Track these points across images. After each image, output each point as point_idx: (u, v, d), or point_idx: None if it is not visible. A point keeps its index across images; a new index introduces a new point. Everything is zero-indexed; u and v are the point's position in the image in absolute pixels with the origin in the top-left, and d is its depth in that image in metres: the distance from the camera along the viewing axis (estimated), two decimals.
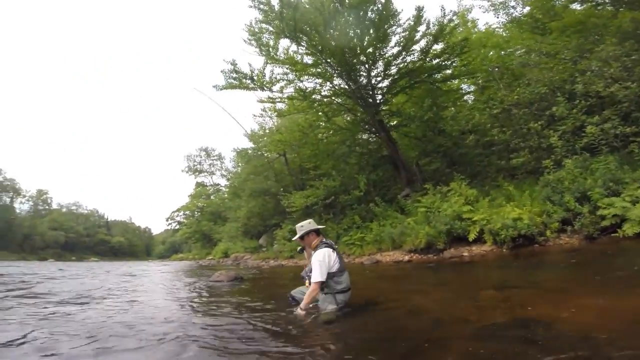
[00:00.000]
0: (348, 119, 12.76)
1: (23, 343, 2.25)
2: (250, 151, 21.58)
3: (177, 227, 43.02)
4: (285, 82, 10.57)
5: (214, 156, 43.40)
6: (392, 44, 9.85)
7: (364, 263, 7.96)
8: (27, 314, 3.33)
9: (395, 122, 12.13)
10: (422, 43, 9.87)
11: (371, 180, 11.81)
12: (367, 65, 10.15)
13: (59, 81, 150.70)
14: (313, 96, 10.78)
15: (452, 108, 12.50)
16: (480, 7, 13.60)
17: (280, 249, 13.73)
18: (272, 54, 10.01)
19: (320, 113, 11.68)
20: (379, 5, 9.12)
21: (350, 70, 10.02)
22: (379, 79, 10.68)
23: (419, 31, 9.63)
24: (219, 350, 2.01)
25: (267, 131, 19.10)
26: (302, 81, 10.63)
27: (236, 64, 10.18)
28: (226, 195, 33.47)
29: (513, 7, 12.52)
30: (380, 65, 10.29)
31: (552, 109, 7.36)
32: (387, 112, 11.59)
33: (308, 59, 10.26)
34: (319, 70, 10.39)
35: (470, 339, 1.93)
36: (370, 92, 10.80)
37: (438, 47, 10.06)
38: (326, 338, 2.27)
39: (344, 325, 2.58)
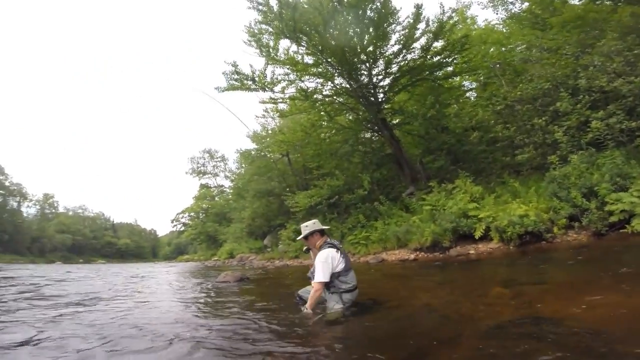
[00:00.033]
0: (350, 118, 12.75)
1: (34, 344, 2.28)
2: (253, 152, 21.66)
3: (182, 228, 43.35)
4: (286, 82, 10.59)
5: (217, 158, 43.69)
6: (392, 42, 9.84)
7: (370, 262, 7.95)
8: (37, 315, 3.37)
9: (397, 120, 12.10)
10: (423, 41, 9.85)
11: (375, 179, 11.79)
12: (368, 64, 10.13)
13: (59, 81, 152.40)
14: (315, 96, 10.79)
15: (455, 105, 12.44)
16: (479, 4, 13.55)
17: (285, 249, 13.76)
18: (272, 54, 10.02)
19: (322, 113, 11.69)
20: (378, 4, 9.10)
21: (351, 69, 10.01)
22: (380, 77, 10.66)
23: (418, 29, 9.60)
24: (227, 351, 2.03)
25: (270, 132, 19.14)
26: (303, 81, 10.64)
27: (237, 66, 10.22)
28: (230, 197, 33.63)
29: (512, 2, 12.45)
30: (381, 63, 10.27)
31: (556, 104, 7.30)
32: (389, 110, 11.56)
33: (308, 59, 10.27)
34: (320, 70, 10.39)
35: (479, 337, 1.92)
36: (372, 91, 10.78)
37: (438, 44, 10.03)
38: (333, 337, 2.27)
39: (350, 324, 2.58)
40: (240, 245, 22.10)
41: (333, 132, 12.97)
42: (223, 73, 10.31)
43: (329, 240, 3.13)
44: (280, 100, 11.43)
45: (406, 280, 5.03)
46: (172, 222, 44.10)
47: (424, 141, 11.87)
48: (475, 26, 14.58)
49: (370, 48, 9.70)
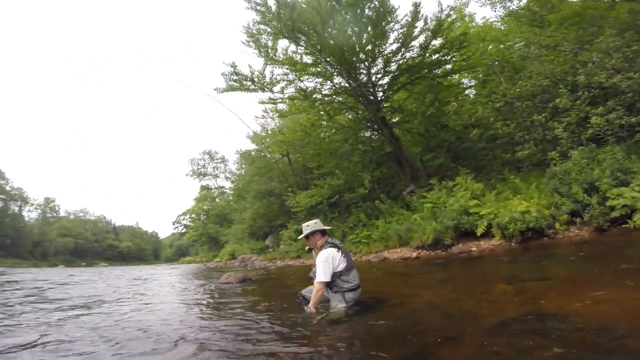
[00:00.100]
0: (350, 117, 12.75)
1: (38, 347, 2.29)
2: (253, 153, 21.67)
3: (184, 230, 43.40)
4: (285, 82, 10.60)
5: (217, 159, 43.74)
6: (390, 40, 9.85)
7: (372, 261, 7.96)
8: (41, 318, 3.38)
9: (397, 119, 12.10)
10: (421, 39, 9.86)
11: (375, 178, 11.80)
12: (366, 63, 10.13)
13: (59, 82, 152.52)
14: (314, 95, 10.79)
15: (454, 103, 12.44)
16: (476, 1, 13.58)
17: (287, 249, 13.77)
18: (271, 54, 10.03)
19: (321, 112, 11.69)
20: (376, 3, 9.11)
21: (350, 68, 10.01)
22: (379, 76, 10.66)
23: (417, 27, 9.60)
24: (231, 352, 2.03)
25: (270, 132, 19.15)
26: (302, 81, 10.65)
27: (236, 66, 10.23)
28: (231, 198, 33.67)
29: (509, 0, 12.45)
30: (379, 62, 10.28)
31: (556, 100, 7.30)
32: (388, 109, 11.56)
33: (307, 59, 10.28)
34: (319, 69, 10.39)
35: (483, 334, 1.92)
36: (371, 90, 10.78)
37: (437, 42, 10.03)
38: (336, 337, 2.27)
39: (353, 323, 2.58)
40: (241, 246, 22.12)
41: (333, 131, 12.97)
42: (222, 74, 10.34)
43: (330, 240, 3.14)
44: (280, 100, 11.44)
45: (408, 278, 5.04)
46: (174, 224, 44.20)
47: (423, 139, 11.87)
48: (474, 24, 14.59)
49: (369, 47, 9.70)
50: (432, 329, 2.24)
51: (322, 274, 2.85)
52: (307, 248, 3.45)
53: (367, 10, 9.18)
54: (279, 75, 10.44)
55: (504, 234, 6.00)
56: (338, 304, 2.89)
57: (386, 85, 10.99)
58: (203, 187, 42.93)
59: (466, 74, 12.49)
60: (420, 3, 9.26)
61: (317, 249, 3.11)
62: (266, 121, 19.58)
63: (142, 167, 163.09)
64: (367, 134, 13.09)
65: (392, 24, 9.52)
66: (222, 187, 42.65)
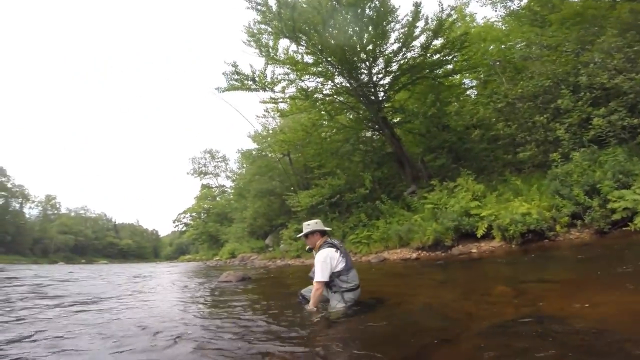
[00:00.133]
0: (351, 117, 12.74)
1: (37, 343, 2.29)
2: (254, 152, 21.67)
3: (184, 228, 43.49)
4: (286, 82, 10.59)
5: (218, 158, 43.79)
6: (391, 40, 9.82)
7: (371, 261, 7.95)
8: (40, 315, 3.39)
9: (398, 119, 12.08)
10: (422, 39, 9.84)
11: (376, 178, 11.79)
12: (367, 63, 10.12)
13: (59, 82, 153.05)
14: (315, 95, 10.78)
15: (456, 103, 12.41)
16: (477, 1, 13.54)
17: (287, 249, 13.78)
18: (272, 54, 10.02)
19: (322, 112, 11.68)
20: (377, 2, 9.09)
21: (351, 68, 9.99)
22: (380, 76, 10.64)
23: (417, 27, 9.58)
24: (229, 350, 2.03)
25: (271, 132, 19.15)
26: (303, 81, 10.63)
27: (237, 66, 10.21)
28: (232, 197, 33.70)
29: (510, 0, 12.42)
30: (380, 62, 10.25)
31: (557, 101, 7.27)
32: (390, 109, 11.55)
33: (308, 59, 10.27)
34: (320, 69, 10.38)
35: (482, 335, 1.92)
36: (372, 90, 10.76)
37: (438, 42, 10.00)
38: (335, 337, 2.27)
39: (352, 323, 2.58)
40: (241, 245, 22.15)
41: (334, 131, 12.96)
42: (223, 73, 10.33)
43: (329, 240, 3.14)
44: (281, 100, 11.43)
45: (408, 279, 5.03)
46: (174, 222, 44.31)
47: (424, 139, 11.85)
48: (475, 24, 14.57)
49: (370, 47, 9.68)
50: (431, 330, 2.23)
51: (319, 274, 2.87)
52: (307, 248, 3.45)
53: (367, 10, 9.16)
54: (280, 74, 10.45)
55: (505, 236, 5.98)
56: (337, 304, 2.89)
57: (387, 85, 10.97)
58: (204, 186, 43.01)
59: (467, 75, 12.47)
60: (421, 3, 9.24)
61: (316, 249, 3.11)
62: (267, 120, 19.61)
63: (143, 166, 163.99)
64: (368, 134, 13.08)
65: (393, 24, 9.50)
66: (223, 185, 42.76)
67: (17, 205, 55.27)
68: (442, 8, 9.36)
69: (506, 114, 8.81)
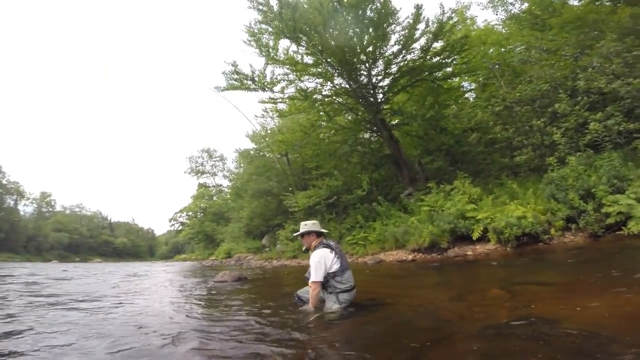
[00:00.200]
0: (349, 118, 12.76)
1: (29, 344, 2.27)
2: (252, 152, 21.63)
3: (180, 228, 43.20)
4: (286, 82, 10.59)
5: (216, 157, 43.65)
6: (392, 42, 9.84)
7: (368, 263, 7.96)
8: (31, 314, 3.36)
9: (396, 121, 12.11)
10: (422, 41, 9.87)
11: (374, 180, 11.80)
12: (367, 64, 10.14)
13: (59, 81, 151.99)
14: (314, 96, 10.79)
15: (454, 106, 12.48)
16: (478, 4, 13.61)
17: (283, 249, 13.75)
18: (272, 54, 10.02)
19: (321, 113, 11.69)
20: (378, 4, 9.10)
21: (351, 69, 10.01)
22: (379, 77, 10.67)
23: (418, 29, 9.61)
24: (223, 351, 2.03)
25: (269, 132, 19.13)
26: (302, 81, 10.64)
27: (237, 65, 10.20)
28: (228, 196, 33.59)
29: (511, 3, 12.51)
30: (380, 64, 10.28)
31: (555, 105, 7.33)
32: (388, 110, 11.57)
33: (308, 59, 10.27)
34: (320, 70, 10.39)
35: (475, 337, 1.93)
36: (371, 91, 10.79)
37: (438, 45, 10.04)
38: (327, 338, 2.27)
39: (347, 324, 2.58)
40: (238, 245, 22.08)
41: (332, 132, 12.97)
42: (223, 73, 10.31)
43: (324, 241, 3.15)
44: (280, 100, 11.43)
45: (404, 280, 5.04)
46: (170, 221, 43.95)
47: (422, 142, 11.89)
48: (475, 27, 14.64)
49: (370, 48, 9.70)
50: (425, 331, 2.24)
51: (314, 274, 2.89)
52: (303, 248, 3.45)
53: (368, 12, 9.18)
54: (279, 75, 10.44)
55: (500, 239, 6.01)
56: (333, 305, 2.89)
57: (386, 87, 11.00)
58: (201, 185, 42.83)
59: (466, 77, 12.54)
60: (422, 5, 9.28)
61: (312, 250, 3.11)
62: (266, 120, 19.58)
63: (141, 165, 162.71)
64: (367, 135, 13.09)
65: (393, 26, 9.52)
66: (220, 185, 42.61)
67: (12, 202, 54.71)
68: (443, 11, 9.40)
69: (504, 117, 8.87)
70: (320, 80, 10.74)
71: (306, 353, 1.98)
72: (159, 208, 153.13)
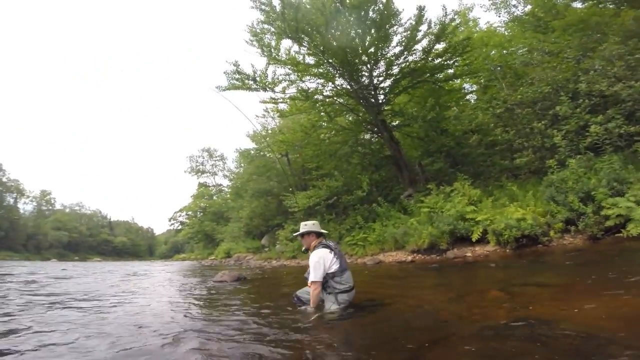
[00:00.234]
0: (350, 119, 12.76)
1: (29, 343, 2.27)
2: (252, 152, 21.64)
3: (180, 227, 43.18)
4: (287, 82, 10.59)
5: (216, 157, 43.66)
6: (393, 43, 9.84)
7: (367, 263, 7.96)
8: (30, 313, 3.36)
9: (397, 122, 12.12)
10: (424, 43, 9.86)
11: (374, 181, 11.80)
12: (369, 65, 10.15)
13: (59, 81, 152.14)
14: (315, 96, 10.79)
15: (455, 108, 12.48)
16: (481, 6, 13.63)
17: (283, 249, 13.75)
18: (274, 54, 10.03)
19: (322, 113, 11.69)
20: (380, 5, 9.11)
21: (352, 70, 10.02)
22: (381, 78, 10.67)
23: (420, 31, 9.61)
24: (221, 350, 2.04)
25: (270, 132, 19.15)
26: (304, 81, 10.64)
27: (238, 65, 10.21)
28: (228, 196, 33.57)
29: (514, 5, 12.51)
30: (382, 65, 10.28)
31: (556, 108, 7.33)
32: (389, 112, 11.58)
33: (310, 60, 10.28)
34: (321, 70, 10.40)
35: (474, 339, 1.93)
36: (373, 92, 10.79)
37: (440, 46, 10.03)
38: (326, 339, 2.27)
39: (346, 325, 2.58)
40: (237, 244, 22.07)
41: (333, 132, 12.97)
42: (224, 72, 10.32)
43: (324, 241, 3.16)
44: (281, 100, 11.43)
45: (403, 281, 5.04)
46: (170, 220, 43.93)
47: (423, 143, 11.89)
48: (477, 29, 14.63)
49: (372, 49, 9.71)
50: (423, 332, 2.24)
51: (313, 274, 2.90)
52: (303, 249, 3.46)
53: (371, 13, 9.19)
54: (281, 75, 10.44)
55: (499, 241, 6.01)
56: (332, 306, 2.90)
57: (387, 88, 11.00)
58: (201, 185, 42.82)
59: (468, 79, 12.53)
60: (424, 7, 9.28)
61: (311, 250, 3.12)
62: (266, 120, 19.61)
63: (141, 165, 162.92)
64: (367, 136, 13.09)
65: (395, 27, 9.52)
66: (220, 185, 42.59)
67: (12, 200, 54.72)
68: (446, 12, 9.40)
69: (505, 119, 8.87)
70: (322, 80, 10.75)
71: (305, 353, 1.98)
72: (158, 207, 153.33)
